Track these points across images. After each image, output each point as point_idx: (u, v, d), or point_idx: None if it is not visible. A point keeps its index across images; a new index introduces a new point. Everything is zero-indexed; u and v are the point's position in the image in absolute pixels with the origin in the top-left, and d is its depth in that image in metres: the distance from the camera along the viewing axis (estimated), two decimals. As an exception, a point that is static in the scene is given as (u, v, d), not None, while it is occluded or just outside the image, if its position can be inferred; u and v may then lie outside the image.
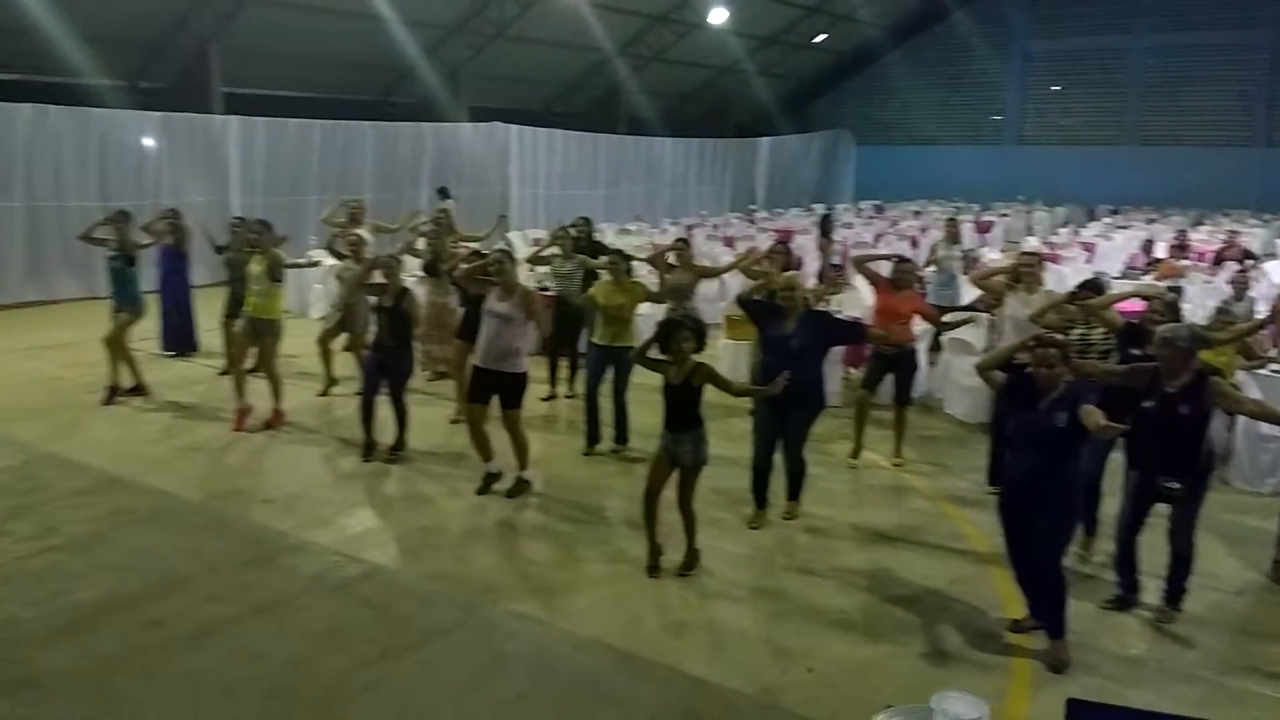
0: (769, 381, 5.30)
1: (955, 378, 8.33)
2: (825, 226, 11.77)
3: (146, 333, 8.98)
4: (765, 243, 15.80)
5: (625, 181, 21.82)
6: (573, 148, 20.29)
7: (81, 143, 12.87)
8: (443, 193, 13.24)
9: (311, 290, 11.75)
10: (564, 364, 8.59)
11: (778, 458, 5.77)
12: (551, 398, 8.43)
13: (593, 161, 20.95)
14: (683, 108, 26.15)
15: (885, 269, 7.19)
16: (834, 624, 4.56)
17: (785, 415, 5.63)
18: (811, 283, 6.71)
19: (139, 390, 8.13)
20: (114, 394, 7.98)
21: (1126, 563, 4.76)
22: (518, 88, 22.08)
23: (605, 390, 6.95)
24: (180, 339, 9.81)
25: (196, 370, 9.25)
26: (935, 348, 8.68)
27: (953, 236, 9.93)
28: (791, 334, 5.52)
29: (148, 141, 13.67)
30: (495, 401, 6.04)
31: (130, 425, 7.41)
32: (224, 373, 8.92)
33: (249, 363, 7.81)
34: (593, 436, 7.02)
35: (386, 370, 6.78)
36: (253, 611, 3.46)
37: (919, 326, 7.19)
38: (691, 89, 26.14)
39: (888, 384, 7.05)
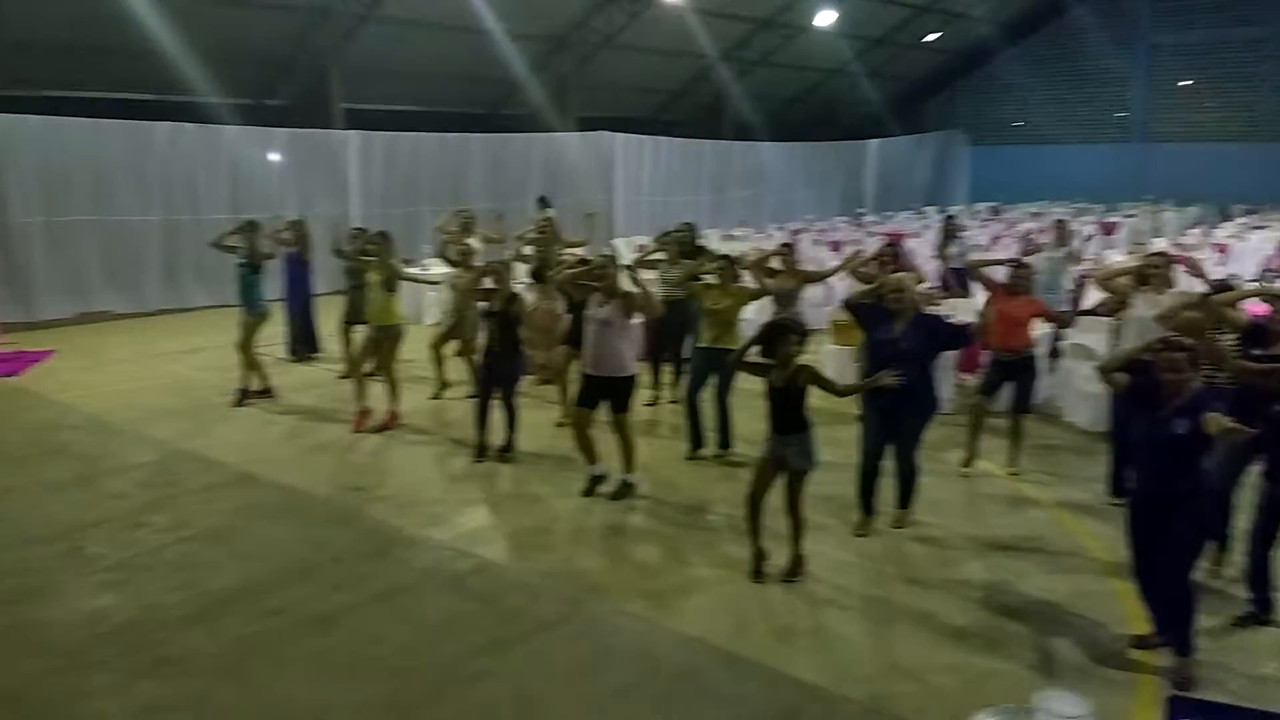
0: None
1: (1076, 384, 8.00)
2: (949, 230, 11.19)
3: (272, 338, 9.44)
4: (874, 247, 15.59)
5: (730, 187, 21.78)
6: (677, 155, 20.39)
7: (213, 159, 13.60)
8: (543, 202, 13.49)
9: (425, 297, 12.14)
10: (667, 369, 8.64)
11: (885, 464, 5.67)
12: (654, 402, 8.48)
13: (697, 168, 20.99)
14: (788, 112, 25.93)
15: (1001, 274, 6.98)
16: (946, 635, 4.45)
17: (896, 420, 5.52)
18: (926, 286, 6.57)
19: (267, 393, 8.55)
20: (244, 396, 8.42)
21: (1259, 578, 4.50)
22: (624, 97, 22.32)
23: (708, 394, 6.96)
24: (304, 344, 10.28)
25: (319, 374, 9.67)
26: (1055, 354, 8.37)
27: (1060, 239, 9.55)
28: (900, 336, 5.42)
29: (274, 157, 14.37)
30: (602, 405, 6.13)
31: (258, 425, 7.81)
32: (344, 376, 9.32)
33: (368, 367, 8.13)
34: (695, 440, 7.04)
35: (497, 374, 6.95)
36: (372, 600, 3.62)
37: (1038, 331, 6.96)
38: (797, 93, 25.91)
39: (1003, 391, 6.84)
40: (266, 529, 4.41)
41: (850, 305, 5.78)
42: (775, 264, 7.82)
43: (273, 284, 9.34)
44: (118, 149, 12.60)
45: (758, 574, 4.98)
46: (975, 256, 9.65)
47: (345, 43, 16.37)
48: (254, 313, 8.39)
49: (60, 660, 3.24)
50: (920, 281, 6.06)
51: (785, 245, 8.22)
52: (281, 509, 4.69)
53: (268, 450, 6.96)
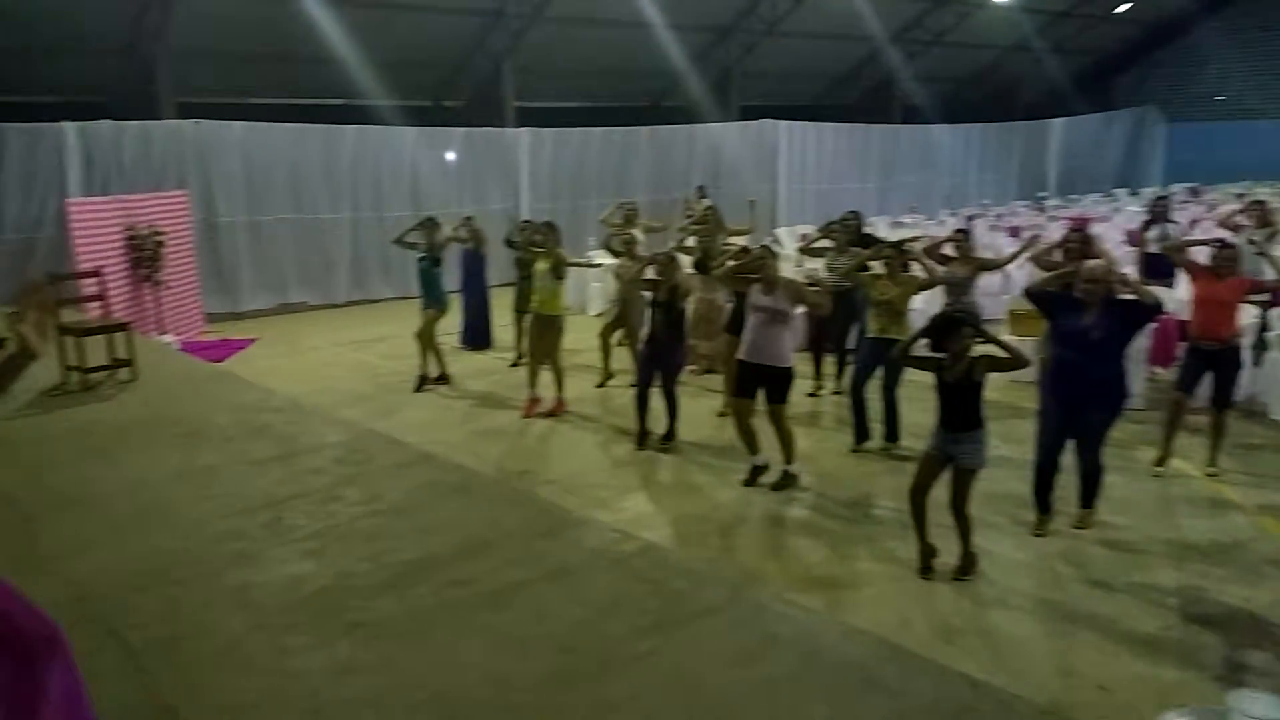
0: (1062, 378, 4.98)
1: (1285, 379, 7.35)
2: (1157, 211, 10.25)
3: (449, 328, 9.93)
4: (1057, 232, 14.74)
5: (899, 173, 21.11)
6: (843, 141, 19.95)
7: (395, 159, 14.42)
8: (700, 191, 13.53)
9: (590, 288, 12.45)
10: (830, 359, 8.52)
11: (1065, 460, 5.39)
12: (817, 393, 8.38)
13: (864, 154, 20.47)
14: (962, 93, 24.87)
15: (1204, 256, 6.48)
16: (1131, 642, 4.20)
17: (1080, 414, 5.22)
18: (1124, 272, 6.16)
19: (444, 380, 9.02)
20: (423, 382, 8.92)
21: None
22: (787, 84, 22.05)
23: (874, 386, 6.82)
24: (478, 334, 10.77)
25: (491, 362, 10.11)
26: (1260, 345, 7.70)
27: (1262, 221, 8.72)
28: (1091, 325, 5.10)
29: (450, 155, 15.08)
30: (759, 395, 6.12)
31: (436, 410, 8.26)
32: (514, 364, 9.72)
33: (535, 355, 8.41)
34: (860, 433, 6.91)
35: (660, 363, 7.05)
36: (544, 577, 3.76)
37: (1244, 321, 6.42)
38: (973, 72, 24.81)
39: (1202, 385, 6.35)
40: (446, 506, 4.67)
41: (1033, 293, 5.49)
42: (948, 251, 7.56)
43: (451, 276, 9.82)
44: (311, 151, 13.56)
45: (925, 570, 4.85)
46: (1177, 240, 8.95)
47: (516, 42, 16.95)
48: (434, 304, 8.86)
49: (266, 619, 3.55)
50: (1113, 269, 5.69)
51: (960, 231, 7.92)
52: (459, 487, 4.95)
53: (445, 433, 7.35)
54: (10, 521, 4.59)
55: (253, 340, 11.45)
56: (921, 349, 4.91)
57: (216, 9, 13.73)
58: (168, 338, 10.54)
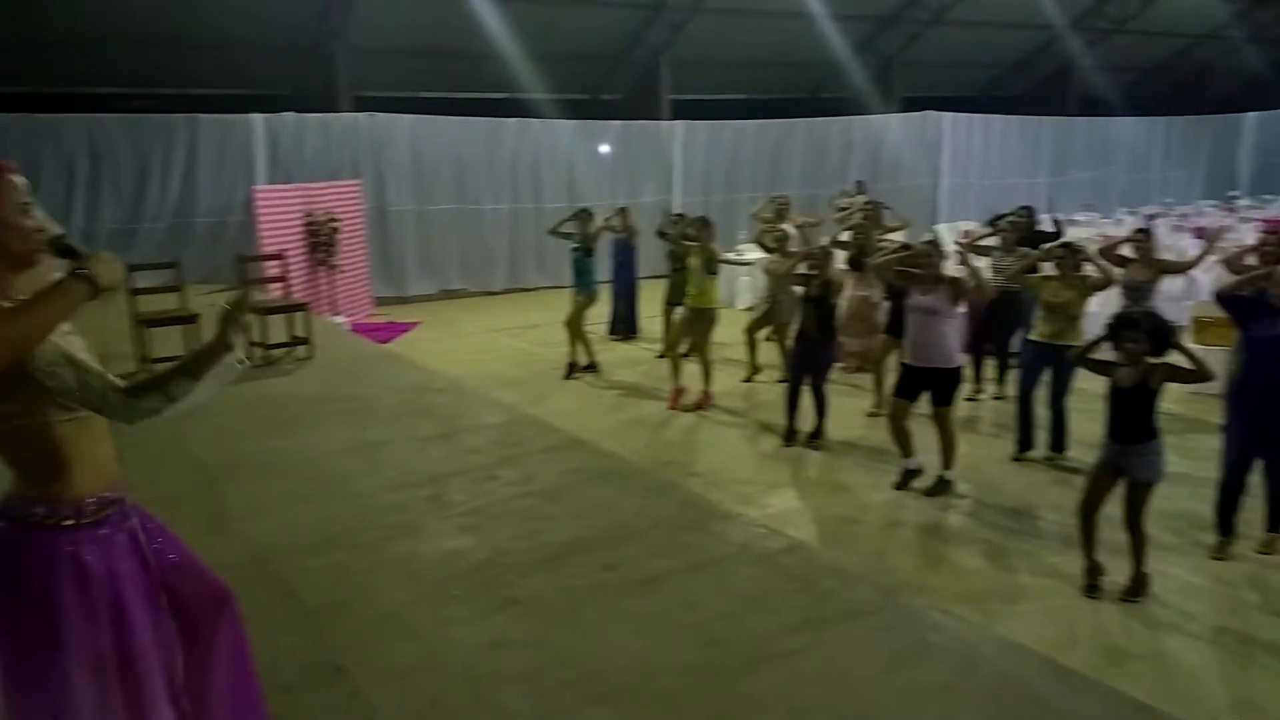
0: (1251, 391, 4.61)
1: None
2: None
3: (597, 318, 10.11)
4: (1248, 234, 13.62)
5: (1073, 168, 19.95)
6: (1012, 133, 19.00)
7: (553, 152, 14.77)
8: (858, 186, 13.21)
9: (738, 283, 12.39)
10: (992, 363, 8.17)
11: (1252, 480, 4.99)
12: (976, 397, 8.06)
13: (1035, 147, 19.42)
14: (1147, 83, 23.30)
15: None
16: (1320, 680, 3.86)
17: (1270, 430, 4.82)
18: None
19: (592, 368, 9.19)
20: (573, 370, 9.11)
21: None
22: (953, 74, 21.24)
23: (1041, 392, 6.51)
24: (625, 324, 10.91)
25: (638, 353, 10.23)
26: None
27: None
28: (1285, 333, 4.70)
29: (604, 148, 15.31)
30: (920, 398, 5.93)
31: (585, 397, 8.43)
32: (661, 355, 9.79)
33: (683, 347, 8.46)
34: (1024, 441, 6.59)
35: (810, 360, 6.95)
36: (690, 568, 3.79)
37: None
38: (1159, 62, 23.19)
39: None
40: (596, 491, 4.76)
41: (1224, 297, 5.09)
42: (1126, 252, 7.10)
43: (602, 266, 9.98)
44: (474, 144, 14.06)
45: (1091, 589, 4.59)
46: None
47: (675, 35, 17.03)
48: (585, 293, 9.03)
49: (426, 590, 3.72)
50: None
51: (1140, 231, 7.43)
52: (607, 474, 5.05)
53: (593, 420, 7.49)
54: (201, 487, 4.99)
55: (416, 324, 12.00)
56: (1101, 352, 4.65)
57: (393, 7, 14.45)
58: (339, 319, 11.18)
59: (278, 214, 10.92)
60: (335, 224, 11.43)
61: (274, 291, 8.78)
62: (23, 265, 1.85)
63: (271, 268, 8.96)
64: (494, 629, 3.37)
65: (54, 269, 1.86)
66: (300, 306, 8.19)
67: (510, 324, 11.96)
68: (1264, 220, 14.94)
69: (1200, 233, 14.11)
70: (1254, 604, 4.54)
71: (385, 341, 10.49)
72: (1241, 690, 3.82)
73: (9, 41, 12.89)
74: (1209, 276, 10.48)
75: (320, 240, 11.30)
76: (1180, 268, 7.62)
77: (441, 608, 3.56)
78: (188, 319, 7.50)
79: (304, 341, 8.06)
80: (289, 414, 6.39)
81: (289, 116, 12.74)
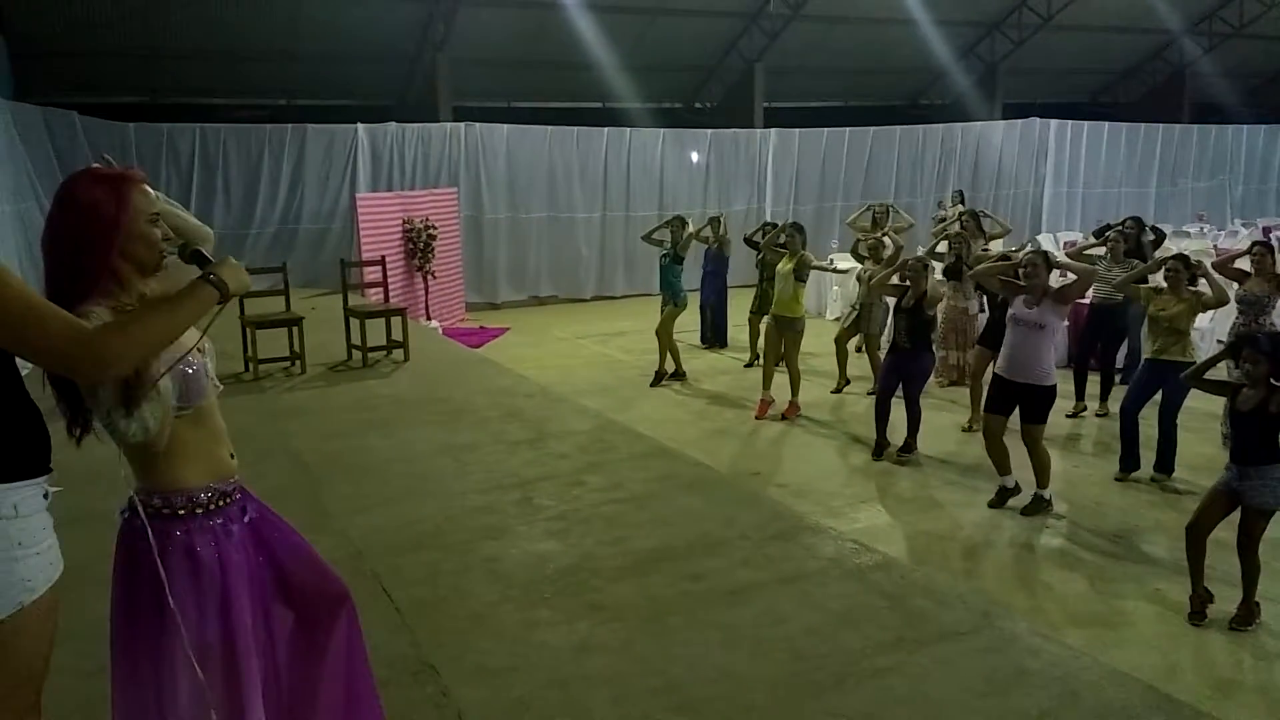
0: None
1: None
2: None
3: (687, 326, 10.10)
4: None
5: (1186, 177, 19.12)
6: (1120, 141, 18.32)
7: (645, 160, 14.85)
8: (959, 196, 12.90)
9: (830, 292, 12.24)
10: (1095, 378, 7.88)
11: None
12: (1078, 414, 7.77)
13: (1145, 156, 18.68)
14: (1270, 90, 22.15)
15: None
16: None
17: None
18: None
19: (679, 375, 9.19)
20: (660, 378, 9.13)
21: None
22: (1060, 80, 20.61)
23: (1148, 411, 6.24)
24: (715, 333, 10.89)
25: (725, 361, 10.19)
26: None
27: None
28: None
29: (696, 156, 15.33)
30: (1013, 413, 5.75)
31: (672, 405, 8.43)
32: (749, 365, 9.74)
33: (772, 357, 8.39)
34: (1128, 461, 6.33)
35: (902, 371, 6.81)
36: (778, 580, 3.74)
37: None
38: (1280, 66, 22.10)
39: None
40: (682, 499, 4.75)
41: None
42: (1244, 265, 6.76)
43: (693, 275, 9.99)
44: (567, 152, 14.26)
45: (1197, 616, 4.38)
46: None
47: (771, 43, 16.95)
48: (673, 301, 9.04)
49: (514, 592, 3.77)
50: None
51: (1260, 244, 7.05)
52: (694, 483, 5.03)
53: (679, 429, 7.48)
54: (302, 483, 5.17)
55: (506, 329, 12.21)
56: (1219, 372, 4.45)
57: (492, 19, 14.78)
58: (433, 323, 11.45)
59: (378, 220, 11.26)
60: (433, 230, 11.72)
61: (373, 296, 9.04)
62: (150, 272, 1.96)
63: (371, 273, 9.23)
64: (580, 633, 3.39)
65: (183, 274, 1.95)
66: (398, 311, 8.42)
67: (598, 331, 12.06)
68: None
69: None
70: (1376, 641, 4.27)
71: (476, 346, 10.70)
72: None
73: (131, 54, 13.65)
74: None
75: (417, 246, 11.60)
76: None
77: (529, 610, 3.60)
78: (293, 322, 7.78)
79: (400, 345, 8.28)
80: (385, 415, 6.57)
81: (390, 126, 13.14)
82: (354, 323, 8.21)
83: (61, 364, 1.70)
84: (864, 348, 8.97)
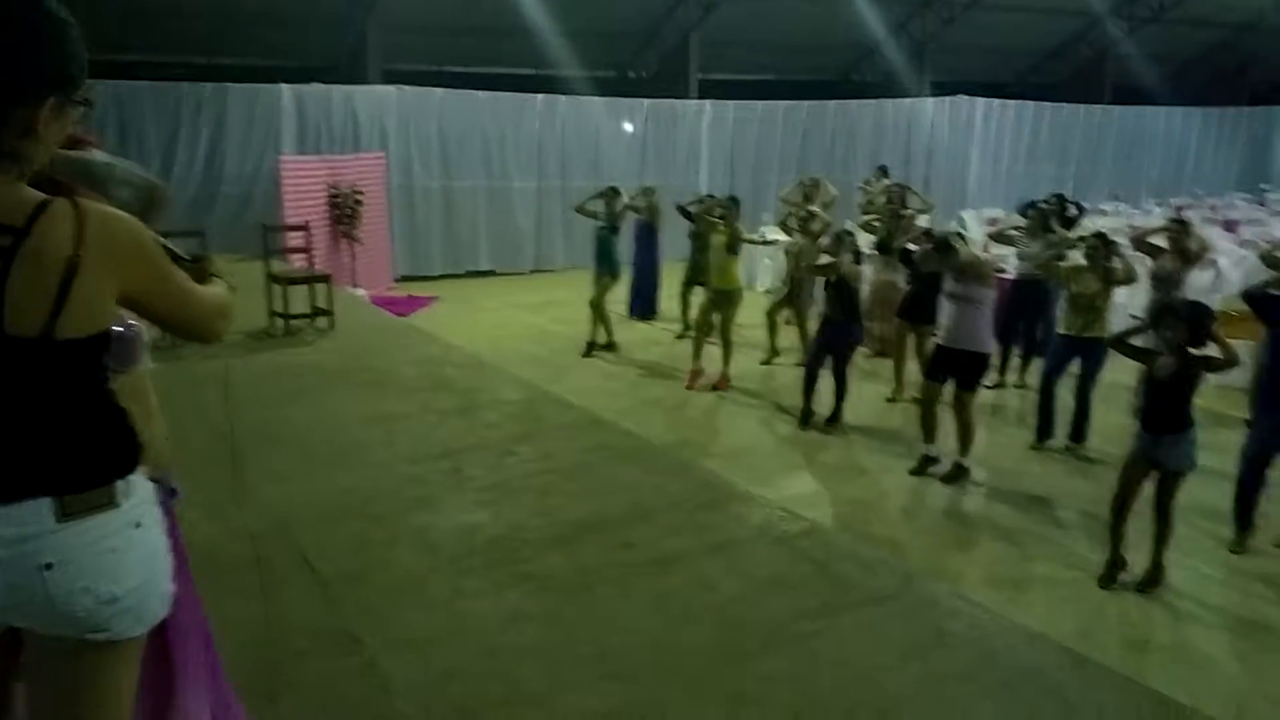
0: (1276, 386, 4.57)
1: None
2: None
3: (618, 297, 10.07)
4: (1279, 229, 13.39)
5: (1104, 158, 19.69)
6: (1044, 121, 18.73)
7: (580, 129, 14.67)
8: (882, 171, 13.08)
9: (760, 264, 12.31)
10: (1015, 352, 8.10)
11: (1272, 475, 4.94)
12: (999, 386, 7.99)
13: (1067, 136, 19.16)
14: (1185, 74, 22.86)
15: None
16: (1335, 675, 3.82)
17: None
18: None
19: (611, 347, 9.17)
20: (591, 348, 9.10)
21: None
22: (988, 59, 20.93)
23: (1064, 383, 6.45)
24: (645, 304, 10.88)
25: (656, 333, 10.20)
26: None
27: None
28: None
29: (629, 126, 15.21)
30: (949, 382, 5.91)
31: (603, 376, 8.42)
32: (680, 336, 9.76)
33: (704, 328, 8.42)
34: (1044, 430, 6.55)
35: (831, 343, 6.91)
36: (707, 549, 3.77)
37: None
38: (1198, 52, 22.76)
39: None
40: (614, 469, 4.76)
41: (1253, 296, 5.02)
42: (1158, 242, 7.00)
43: (624, 246, 9.93)
44: (502, 119, 13.98)
45: (1109, 580, 4.56)
46: None
47: (706, 14, 16.87)
48: (607, 272, 9.00)
49: (443, 562, 3.74)
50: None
51: (1176, 222, 7.29)
52: (626, 453, 5.04)
53: (611, 399, 7.48)
54: (221, 454, 5.02)
55: (435, 298, 12.01)
56: (1139, 339, 4.62)
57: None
58: (359, 291, 11.21)
59: (303, 185, 10.94)
60: (359, 196, 11.43)
61: (297, 262, 8.81)
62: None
63: (295, 238, 8.99)
64: (510, 603, 3.37)
65: None
66: (322, 278, 8.21)
67: (530, 301, 11.95)
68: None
69: (1230, 226, 13.91)
70: (1270, 597, 4.51)
71: (405, 315, 10.51)
72: (1262, 682, 3.80)
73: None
74: (1237, 271, 10.33)
75: (343, 212, 11.32)
76: (1204, 260, 7.44)
77: (458, 580, 3.57)
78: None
79: (325, 313, 8.09)
80: (309, 384, 6.42)
81: (316, 87, 12.74)
82: (276, 289, 7.98)
83: (206, 332, 1.77)
84: (794, 320, 9.05)
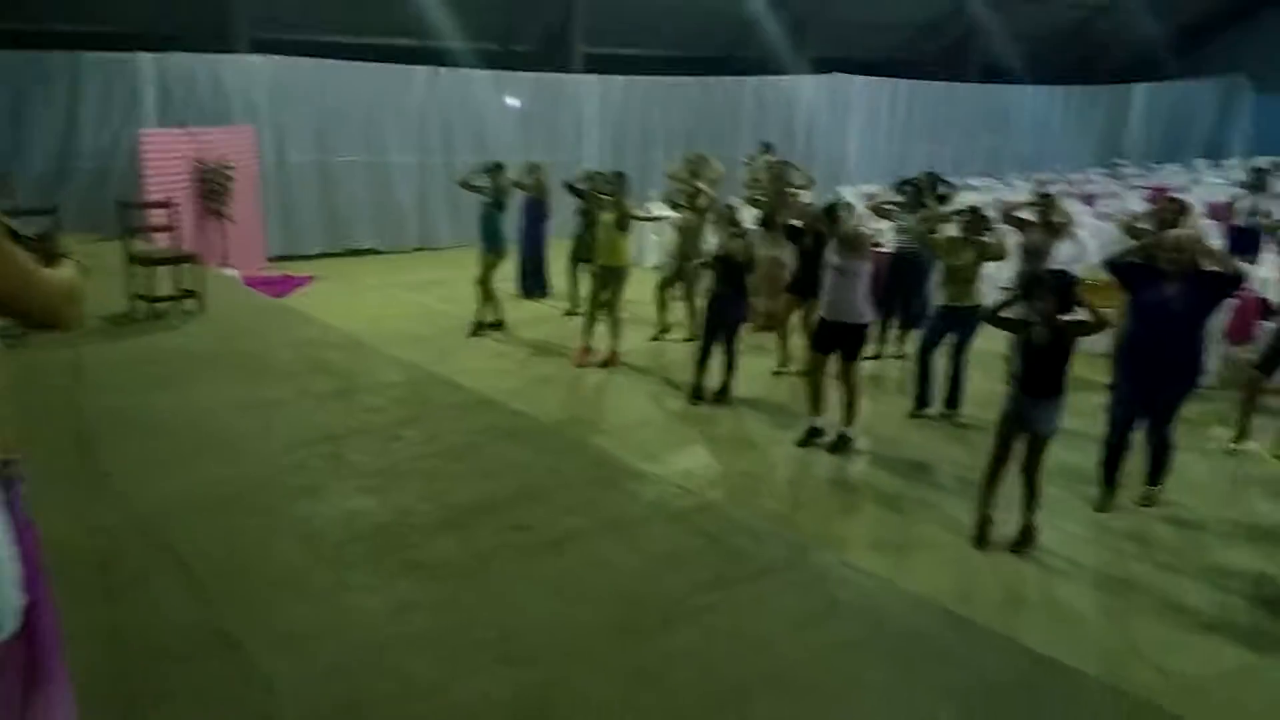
0: (1138, 351, 4.83)
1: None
2: (1258, 183, 9.79)
3: (506, 275, 9.91)
4: (1133, 201, 14.23)
5: (974, 134, 20.47)
6: (918, 98, 19.34)
7: (464, 102, 14.30)
8: (765, 147, 13.26)
9: (648, 240, 12.32)
10: (894, 323, 8.34)
11: (1135, 437, 5.23)
12: (877, 357, 8.22)
13: (938, 112, 19.83)
14: (1047, 53, 23.89)
15: None
16: (1194, 624, 4.08)
17: (1153, 389, 5.06)
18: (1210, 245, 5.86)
19: (499, 325, 9.02)
20: (479, 328, 8.93)
21: None
22: (865, 36, 21.37)
23: (941, 352, 6.68)
24: (534, 282, 10.74)
25: (545, 310, 10.09)
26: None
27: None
28: (1172, 297, 4.91)
29: (515, 101, 14.92)
30: (834, 353, 6.03)
31: (491, 355, 8.28)
32: (569, 313, 9.68)
33: (594, 305, 8.35)
34: (921, 399, 6.78)
35: (721, 318, 6.97)
36: (602, 527, 3.75)
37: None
38: (1060, 31, 23.80)
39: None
40: (504, 450, 4.67)
41: (1114, 265, 5.28)
42: (1027, 214, 7.31)
43: (511, 223, 9.76)
44: (382, 92, 13.48)
45: (981, 540, 4.75)
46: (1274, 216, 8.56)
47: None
48: (493, 249, 8.83)
49: (326, 553, 3.59)
50: (1200, 239, 5.43)
51: (1044, 195, 7.61)
52: (516, 432, 4.96)
53: (500, 379, 7.36)
54: (78, 446, 4.70)
55: (312, 277, 11.57)
56: (1010, 311, 4.80)
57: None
58: (230, 271, 10.69)
59: (166, 160, 10.33)
60: (229, 171, 10.87)
61: (160, 241, 8.31)
62: None
63: (158, 216, 8.47)
64: (399, 593, 3.27)
65: None
66: (189, 258, 7.78)
67: (413, 279, 11.64)
68: (1150, 188, 15.69)
69: (1089, 199, 14.69)
70: (1134, 554, 4.78)
71: (279, 295, 10.08)
72: (1126, 634, 4.02)
73: None
74: (1095, 242, 10.91)
75: (211, 188, 10.75)
76: (1073, 233, 7.85)
77: (343, 572, 3.44)
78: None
79: (192, 294, 7.67)
80: (176, 370, 6.07)
81: (179, 56, 12.00)
82: (139, 271, 7.51)
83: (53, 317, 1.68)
84: (684, 296, 9.09)
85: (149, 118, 11.60)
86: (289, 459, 4.54)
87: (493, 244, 8.84)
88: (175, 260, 7.72)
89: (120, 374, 5.95)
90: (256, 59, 12.66)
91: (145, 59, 11.67)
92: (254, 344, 6.75)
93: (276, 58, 12.66)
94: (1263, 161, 15.85)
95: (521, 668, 2.83)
